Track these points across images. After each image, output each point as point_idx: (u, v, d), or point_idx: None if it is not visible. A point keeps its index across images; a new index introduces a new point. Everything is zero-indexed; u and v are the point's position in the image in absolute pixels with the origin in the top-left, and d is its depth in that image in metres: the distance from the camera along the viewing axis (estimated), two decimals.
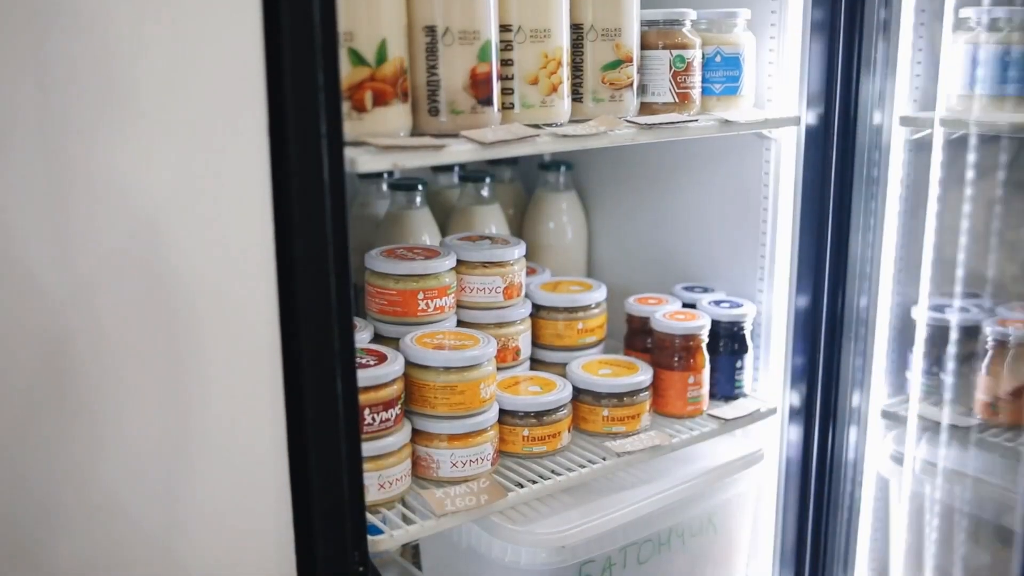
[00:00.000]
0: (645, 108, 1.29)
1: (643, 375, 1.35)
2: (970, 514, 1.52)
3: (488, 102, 1.09)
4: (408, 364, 1.20)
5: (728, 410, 1.44)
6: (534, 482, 1.23)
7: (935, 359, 1.45)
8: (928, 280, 1.40)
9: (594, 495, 1.31)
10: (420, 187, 1.52)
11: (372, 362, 1.16)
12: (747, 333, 1.46)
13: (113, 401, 0.86)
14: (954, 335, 1.43)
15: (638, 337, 1.48)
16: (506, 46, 1.12)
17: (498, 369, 1.29)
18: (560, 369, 1.39)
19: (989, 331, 1.39)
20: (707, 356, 1.42)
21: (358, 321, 1.28)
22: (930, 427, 1.45)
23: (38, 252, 0.80)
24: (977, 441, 1.41)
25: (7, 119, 0.78)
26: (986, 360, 1.40)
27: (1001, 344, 1.38)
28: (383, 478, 1.13)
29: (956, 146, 1.33)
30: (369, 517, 1.08)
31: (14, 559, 0.85)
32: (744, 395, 1.48)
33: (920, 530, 1.51)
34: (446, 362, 1.19)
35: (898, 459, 1.45)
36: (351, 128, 0.98)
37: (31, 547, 0.85)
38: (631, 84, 1.23)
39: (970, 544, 1.52)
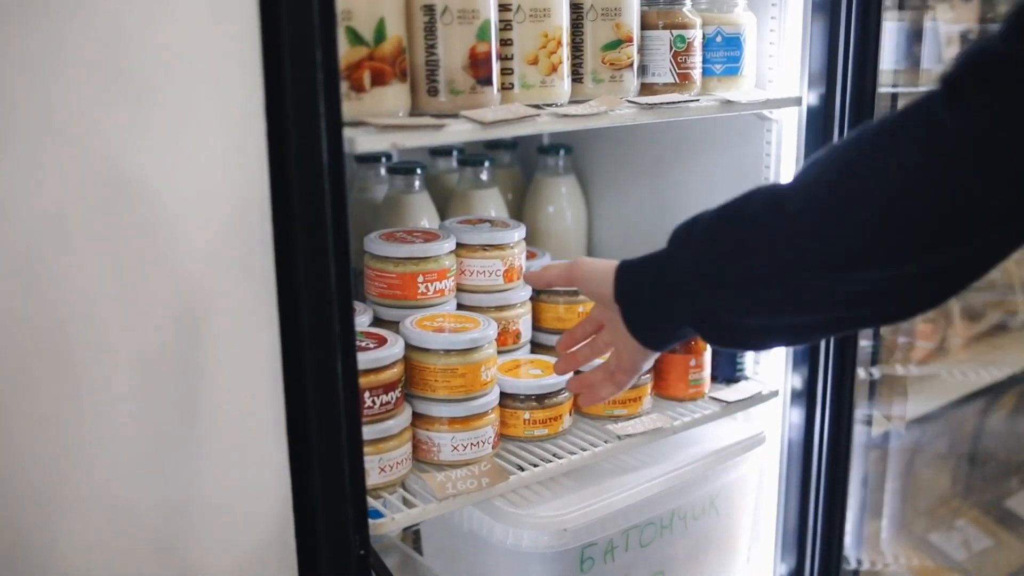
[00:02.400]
0: (645, 89, 1.28)
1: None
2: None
3: (487, 82, 1.08)
4: (408, 347, 1.19)
5: (730, 393, 1.43)
6: (535, 465, 1.23)
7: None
8: None
9: (596, 478, 1.31)
10: (419, 171, 1.51)
11: (372, 345, 1.15)
12: None
13: (112, 387, 0.85)
14: None
15: None
16: (505, 25, 1.11)
17: (498, 352, 1.29)
18: None
19: None
20: None
21: (357, 305, 1.27)
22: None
23: (35, 238, 0.80)
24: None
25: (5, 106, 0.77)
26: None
27: None
28: (384, 461, 1.13)
29: None
30: (370, 501, 1.08)
31: (15, 544, 0.84)
32: (746, 378, 1.48)
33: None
34: (447, 345, 1.18)
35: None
36: (349, 108, 0.97)
37: (32, 532, 0.84)
38: (631, 64, 1.22)
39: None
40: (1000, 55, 0.72)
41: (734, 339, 0.94)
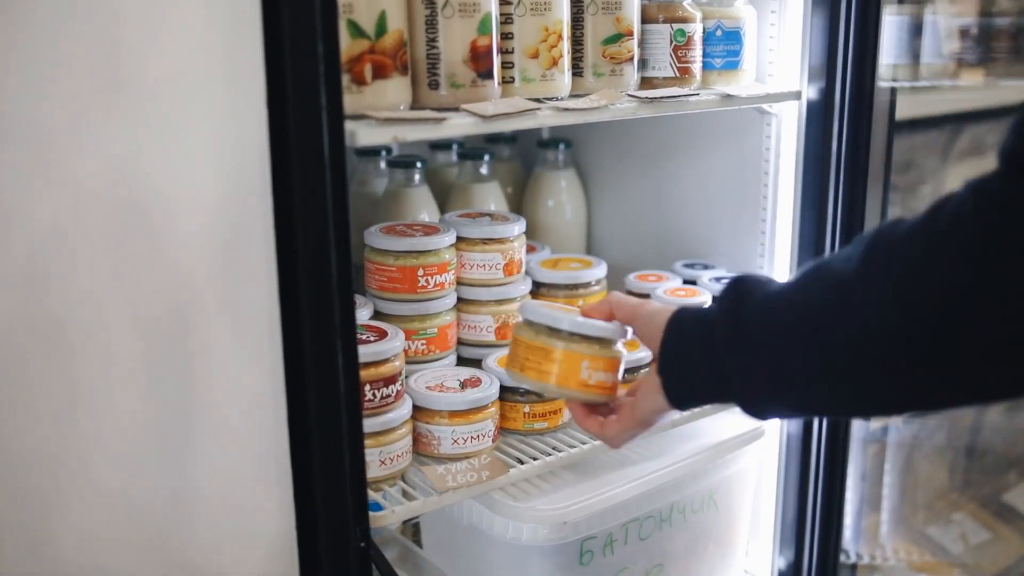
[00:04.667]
0: (646, 83, 1.28)
1: (644, 351, 1.35)
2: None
3: (488, 76, 1.08)
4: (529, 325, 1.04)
5: None
6: (535, 459, 1.23)
7: None
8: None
9: (595, 472, 1.31)
10: (419, 164, 1.51)
11: (372, 338, 1.15)
12: None
13: (112, 380, 0.85)
14: None
15: None
16: (506, 19, 1.11)
17: (497, 346, 1.29)
18: None
19: None
20: None
21: (358, 298, 1.27)
22: None
23: (35, 237, 0.80)
24: None
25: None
26: None
27: None
28: (384, 454, 1.13)
29: None
30: (370, 493, 1.08)
31: (14, 539, 0.84)
32: None
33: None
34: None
35: None
36: (351, 102, 0.97)
37: (30, 527, 0.85)
38: (632, 58, 1.22)
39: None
40: None
41: (768, 416, 0.89)
